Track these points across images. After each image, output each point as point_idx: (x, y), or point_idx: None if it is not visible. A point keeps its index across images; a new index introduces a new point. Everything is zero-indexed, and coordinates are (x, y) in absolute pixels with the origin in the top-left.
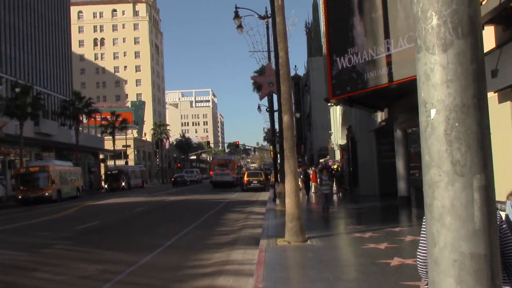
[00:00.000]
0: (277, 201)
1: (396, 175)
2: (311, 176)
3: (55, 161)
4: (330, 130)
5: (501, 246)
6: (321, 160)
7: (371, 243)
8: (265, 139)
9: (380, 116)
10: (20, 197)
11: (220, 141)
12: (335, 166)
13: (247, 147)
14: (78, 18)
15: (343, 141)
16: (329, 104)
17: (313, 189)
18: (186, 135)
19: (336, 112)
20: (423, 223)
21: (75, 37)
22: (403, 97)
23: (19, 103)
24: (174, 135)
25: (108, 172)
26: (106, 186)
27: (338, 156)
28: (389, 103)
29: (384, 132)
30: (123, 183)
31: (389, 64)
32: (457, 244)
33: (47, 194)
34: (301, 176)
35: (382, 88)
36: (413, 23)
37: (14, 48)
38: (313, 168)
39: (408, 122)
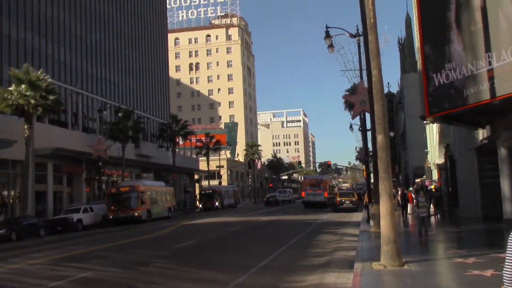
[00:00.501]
0: (371, 222)
1: (500, 196)
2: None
3: (145, 181)
4: (426, 149)
5: None
6: (417, 180)
7: (475, 270)
8: (357, 158)
9: (482, 133)
10: (111, 217)
11: (311, 161)
12: (432, 187)
13: (338, 166)
14: (175, 44)
15: (440, 160)
16: (425, 122)
17: (409, 210)
18: (278, 155)
19: (432, 130)
20: (509, 239)
21: (172, 62)
22: (507, 113)
23: (122, 127)
24: (266, 155)
25: (202, 192)
26: (200, 205)
27: (435, 175)
28: (491, 120)
29: (487, 151)
30: (217, 203)
31: (491, 79)
32: None
33: (136, 214)
34: (397, 197)
35: (483, 104)
36: None
37: (118, 75)
38: (409, 189)
39: None
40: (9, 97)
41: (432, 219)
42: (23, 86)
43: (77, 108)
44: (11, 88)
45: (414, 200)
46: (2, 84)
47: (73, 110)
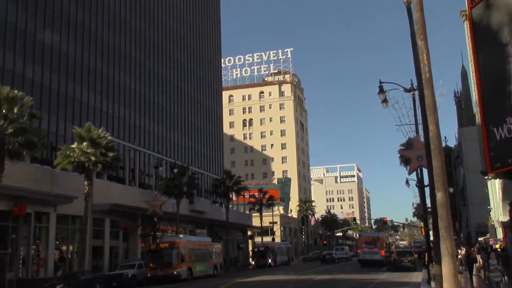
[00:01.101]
0: (433, 284)
1: None
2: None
3: (188, 237)
4: (489, 205)
5: None
6: (480, 239)
7: None
8: (414, 215)
9: None
10: (149, 275)
11: (367, 217)
12: (497, 246)
13: (395, 223)
14: (229, 101)
15: (505, 218)
16: (486, 177)
17: (474, 271)
18: (332, 211)
19: (495, 186)
20: None
21: (226, 119)
22: None
23: (176, 182)
24: (320, 211)
25: (255, 249)
26: (253, 262)
27: (500, 234)
28: None
29: None
30: (270, 260)
31: None
32: None
33: (176, 272)
34: (459, 257)
35: None
36: None
37: (174, 132)
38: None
39: None
40: (71, 154)
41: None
42: (84, 143)
43: (135, 164)
44: (73, 146)
45: (480, 261)
46: (65, 142)
47: (130, 166)
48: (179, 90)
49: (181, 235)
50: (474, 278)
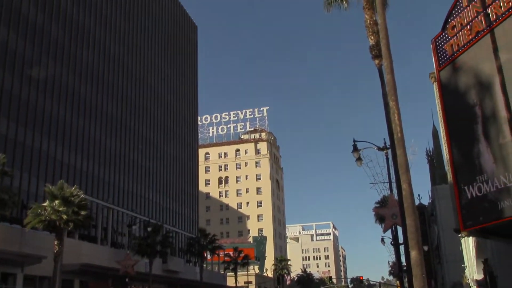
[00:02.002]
0: None
1: None
2: None
3: None
4: (464, 264)
5: None
6: None
7: None
8: (390, 273)
9: None
10: None
11: (343, 276)
12: None
13: (371, 282)
14: (205, 159)
15: (479, 276)
16: (459, 235)
17: None
18: (308, 270)
19: (468, 244)
20: None
21: (202, 176)
22: None
23: (150, 241)
24: (296, 270)
25: None
26: None
27: None
28: None
29: None
30: None
31: None
32: None
33: None
34: None
35: None
36: None
37: (148, 190)
38: None
39: None
40: (42, 212)
41: None
42: (56, 201)
43: (107, 222)
44: (45, 204)
45: None
46: (37, 200)
47: (103, 224)
48: (155, 147)
49: None
50: None
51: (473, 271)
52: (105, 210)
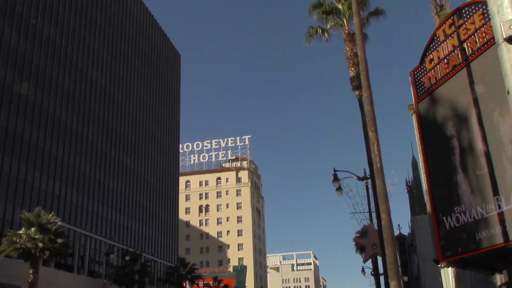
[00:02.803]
0: None
1: None
2: None
3: None
4: None
5: None
6: None
7: None
8: None
9: (500, 278)
10: None
11: None
12: None
13: None
14: (186, 187)
15: None
16: (439, 265)
17: None
18: None
19: (448, 274)
20: None
21: (182, 204)
22: None
23: (128, 270)
24: None
25: None
26: None
27: None
28: (508, 264)
29: None
30: None
31: (502, 222)
32: None
33: None
34: None
35: (497, 248)
36: None
37: (127, 217)
38: None
39: None
40: (17, 240)
41: None
42: (32, 229)
43: (85, 251)
44: (20, 232)
45: None
46: (12, 227)
47: (80, 253)
48: (135, 174)
49: None
50: None
51: None
52: (82, 238)
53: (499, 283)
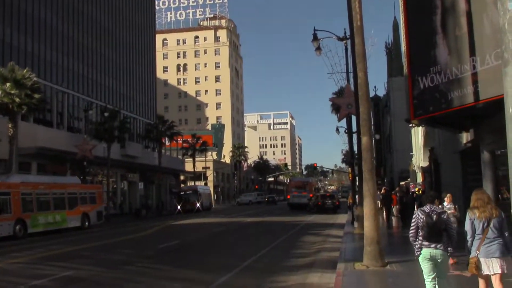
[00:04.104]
0: (355, 224)
1: None
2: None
3: (25, 176)
4: (412, 152)
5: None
6: (401, 183)
7: (455, 270)
8: (343, 161)
9: (466, 137)
10: None
11: (298, 163)
12: (416, 189)
13: (325, 169)
14: (163, 45)
15: (425, 163)
16: (410, 125)
17: (395, 213)
18: (264, 157)
19: (417, 133)
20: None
21: (159, 63)
22: (491, 117)
23: (107, 127)
24: (252, 157)
25: (181, 193)
26: (179, 207)
27: (419, 178)
28: (475, 123)
29: (470, 154)
30: (198, 204)
31: (475, 82)
32: None
33: None
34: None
35: (467, 107)
36: (500, 37)
37: (104, 75)
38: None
39: (496, 144)
40: None
41: None
42: (8, 84)
43: (63, 107)
44: None
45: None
46: None
47: (58, 109)
48: (110, 32)
49: (16, 175)
50: (393, 218)
51: (419, 159)
52: (60, 94)
53: (464, 141)
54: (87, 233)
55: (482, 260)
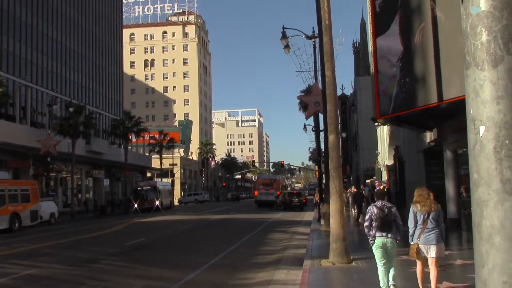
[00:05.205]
0: (322, 221)
1: (445, 197)
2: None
3: None
4: (377, 151)
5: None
6: (367, 181)
7: (402, 255)
8: (310, 159)
9: (429, 136)
10: None
11: (265, 161)
12: (381, 187)
13: (292, 166)
14: (130, 40)
15: (390, 162)
16: (376, 124)
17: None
18: (232, 154)
19: (383, 132)
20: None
21: (126, 58)
22: (453, 116)
23: (72, 122)
24: (220, 154)
25: (138, 189)
26: (135, 205)
27: (384, 176)
28: (439, 123)
29: (433, 153)
30: (157, 202)
31: (439, 83)
32: (507, 266)
33: None
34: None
35: (431, 107)
36: (462, 40)
37: (70, 69)
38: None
39: (458, 143)
40: None
41: None
42: None
43: (26, 101)
44: None
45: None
46: None
47: (21, 103)
48: (77, 25)
49: None
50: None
51: (385, 157)
52: (23, 88)
53: (428, 140)
54: (21, 235)
55: (421, 246)
